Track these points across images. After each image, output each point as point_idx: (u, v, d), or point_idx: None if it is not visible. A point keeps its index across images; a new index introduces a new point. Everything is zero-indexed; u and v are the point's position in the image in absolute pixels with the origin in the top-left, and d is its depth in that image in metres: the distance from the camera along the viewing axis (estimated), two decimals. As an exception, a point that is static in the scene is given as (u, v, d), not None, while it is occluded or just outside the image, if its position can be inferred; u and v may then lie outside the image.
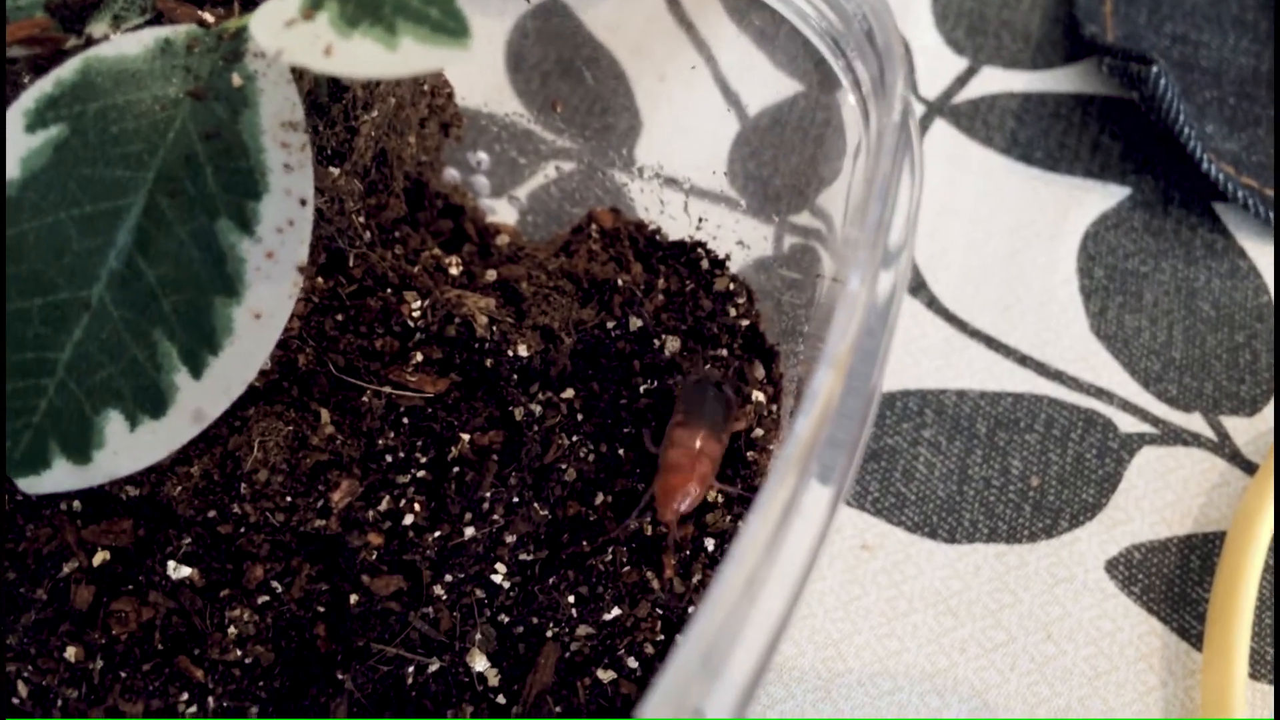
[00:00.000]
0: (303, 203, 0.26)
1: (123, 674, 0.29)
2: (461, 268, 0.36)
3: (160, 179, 0.25)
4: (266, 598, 0.31)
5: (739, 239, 0.40)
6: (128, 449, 0.27)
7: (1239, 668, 0.38)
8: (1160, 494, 0.43)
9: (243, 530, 0.31)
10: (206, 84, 0.25)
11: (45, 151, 0.25)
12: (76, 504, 0.32)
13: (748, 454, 0.34)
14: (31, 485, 0.27)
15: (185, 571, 0.31)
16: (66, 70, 0.25)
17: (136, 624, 0.30)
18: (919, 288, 0.48)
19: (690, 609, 0.33)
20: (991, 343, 0.46)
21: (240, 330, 0.26)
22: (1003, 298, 0.48)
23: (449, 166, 0.43)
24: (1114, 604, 0.41)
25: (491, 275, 0.37)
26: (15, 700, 0.30)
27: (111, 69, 0.25)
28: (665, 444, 0.32)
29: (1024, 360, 0.46)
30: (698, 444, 0.32)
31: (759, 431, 0.35)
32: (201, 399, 0.27)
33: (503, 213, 0.45)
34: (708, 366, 0.34)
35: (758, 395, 0.35)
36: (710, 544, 0.33)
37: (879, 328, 0.25)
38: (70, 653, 0.29)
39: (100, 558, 0.31)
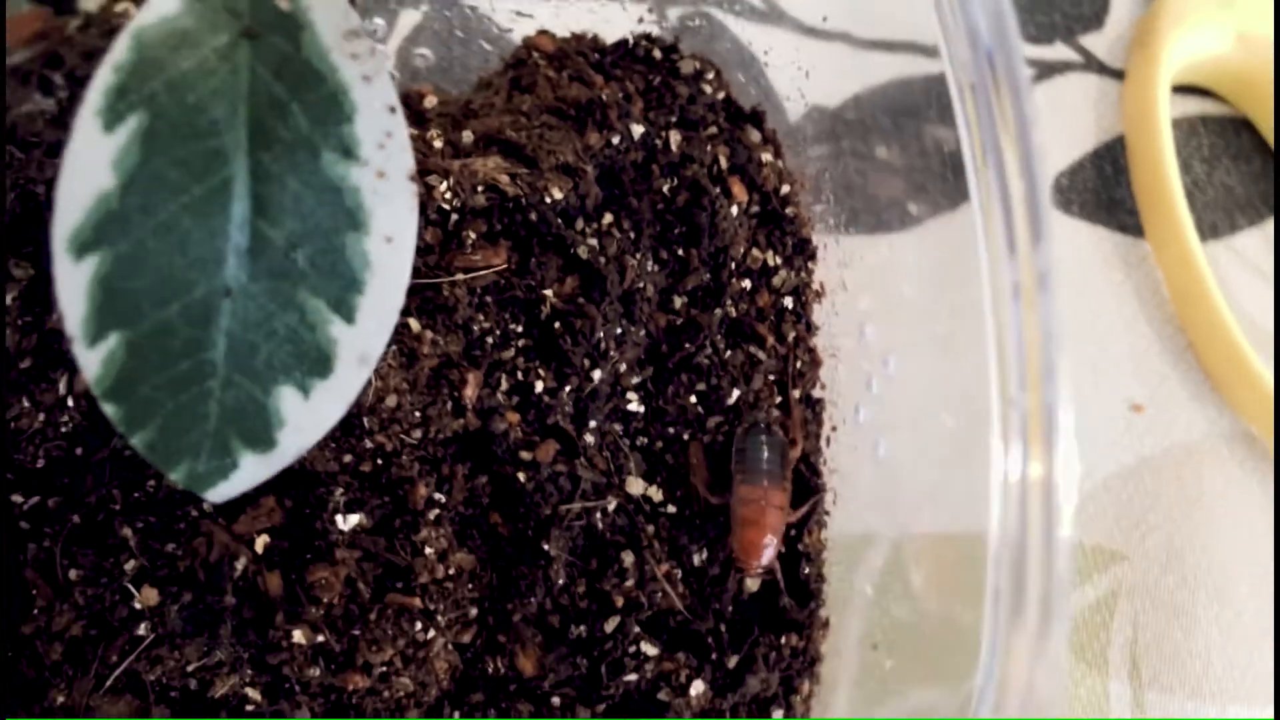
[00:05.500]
0: (392, 110, 0.25)
1: (355, 632, 0.29)
2: (442, 139, 0.35)
3: (254, 134, 0.23)
4: (436, 511, 0.31)
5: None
6: (308, 418, 0.26)
7: (1185, 232, 0.44)
8: (1057, 124, 0.48)
9: (381, 461, 0.31)
10: (254, 19, 0.23)
11: (133, 147, 0.22)
12: (206, 505, 0.30)
13: (785, 210, 0.36)
14: (222, 492, 0.26)
15: (353, 520, 0.30)
16: (119, 51, 0.22)
17: (340, 585, 0.30)
18: None
19: (798, 364, 0.35)
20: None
21: (377, 260, 0.25)
22: None
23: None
24: (1061, 226, 0.46)
25: (468, 136, 0.36)
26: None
27: (160, 34, 0.22)
28: (734, 502, 0.33)
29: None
30: (764, 496, 0.32)
31: (785, 189, 0.37)
32: (362, 341, 0.26)
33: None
34: (756, 415, 0.35)
35: (765, 156, 0.37)
36: (789, 301, 0.36)
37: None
38: (297, 636, 0.29)
39: (262, 543, 0.30)
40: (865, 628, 0.35)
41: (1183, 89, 0.49)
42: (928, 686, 0.31)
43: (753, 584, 0.33)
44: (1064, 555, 0.22)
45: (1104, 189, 0.47)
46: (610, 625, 0.31)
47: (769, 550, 0.32)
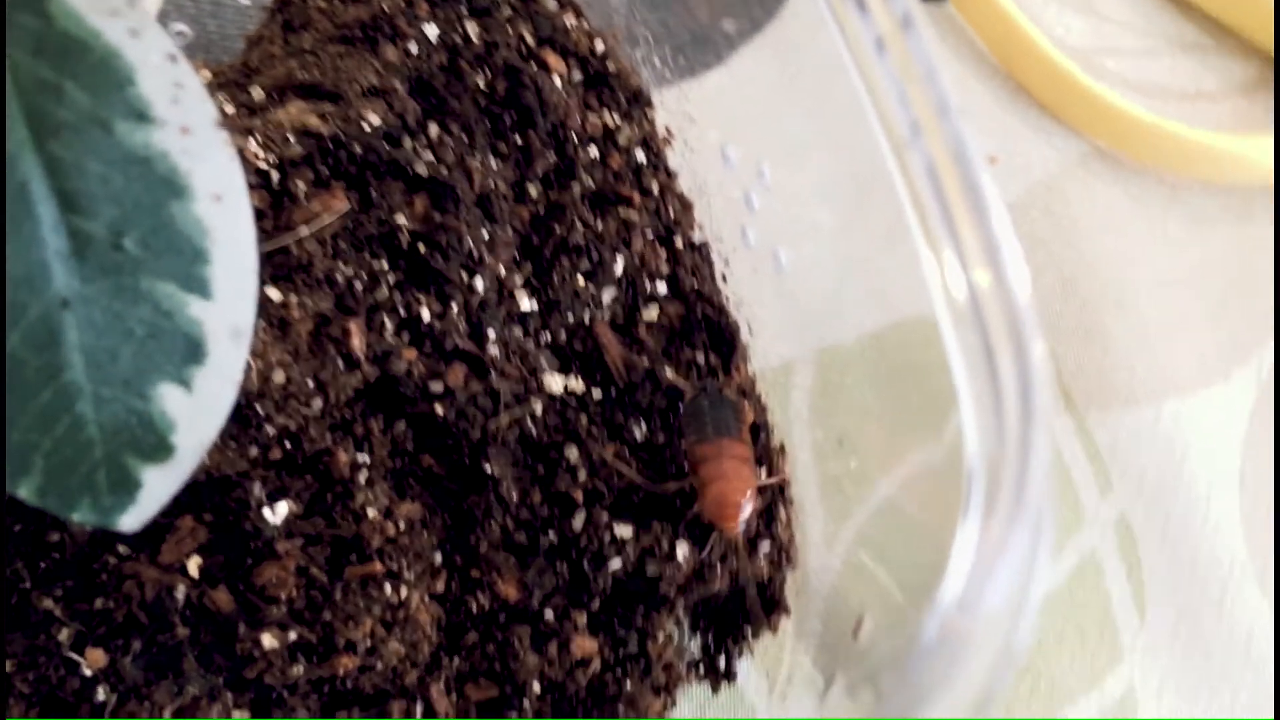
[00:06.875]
0: (173, 59, 0.22)
1: (325, 615, 0.28)
2: (232, 104, 0.33)
3: (34, 126, 0.21)
4: (365, 473, 0.29)
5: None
6: (199, 410, 0.24)
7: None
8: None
9: (290, 443, 0.29)
10: (-14, -1, 0.21)
11: (-96, 173, 0.20)
12: (122, 548, 0.28)
13: (607, 66, 0.35)
14: (135, 518, 0.24)
15: (282, 509, 0.28)
16: None
17: (293, 577, 0.28)
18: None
19: (670, 211, 0.34)
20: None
21: (213, 223, 0.23)
22: None
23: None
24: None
25: (258, 92, 0.33)
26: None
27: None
28: (692, 466, 0.31)
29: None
30: (723, 453, 0.30)
31: (599, 46, 0.35)
32: (228, 313, 0.24)
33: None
34: (699, 383, 0.32)
35: (568, 20, 0.35)
36: (640, 154, 0.35)
37: None
38: (266, 642, 0.27)
39: (195, 564, 0.28)
40: (815, 442, 0.34)
41: None
42: (895, 471, 0.31)
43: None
44: (1026, 301, 0.21)
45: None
46: (578, 522, 0.30)
47: (747, 506, 0.30)
